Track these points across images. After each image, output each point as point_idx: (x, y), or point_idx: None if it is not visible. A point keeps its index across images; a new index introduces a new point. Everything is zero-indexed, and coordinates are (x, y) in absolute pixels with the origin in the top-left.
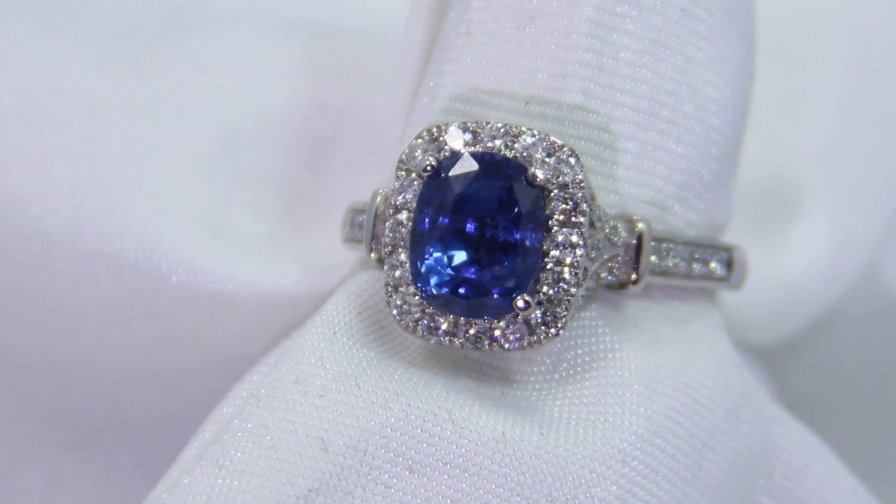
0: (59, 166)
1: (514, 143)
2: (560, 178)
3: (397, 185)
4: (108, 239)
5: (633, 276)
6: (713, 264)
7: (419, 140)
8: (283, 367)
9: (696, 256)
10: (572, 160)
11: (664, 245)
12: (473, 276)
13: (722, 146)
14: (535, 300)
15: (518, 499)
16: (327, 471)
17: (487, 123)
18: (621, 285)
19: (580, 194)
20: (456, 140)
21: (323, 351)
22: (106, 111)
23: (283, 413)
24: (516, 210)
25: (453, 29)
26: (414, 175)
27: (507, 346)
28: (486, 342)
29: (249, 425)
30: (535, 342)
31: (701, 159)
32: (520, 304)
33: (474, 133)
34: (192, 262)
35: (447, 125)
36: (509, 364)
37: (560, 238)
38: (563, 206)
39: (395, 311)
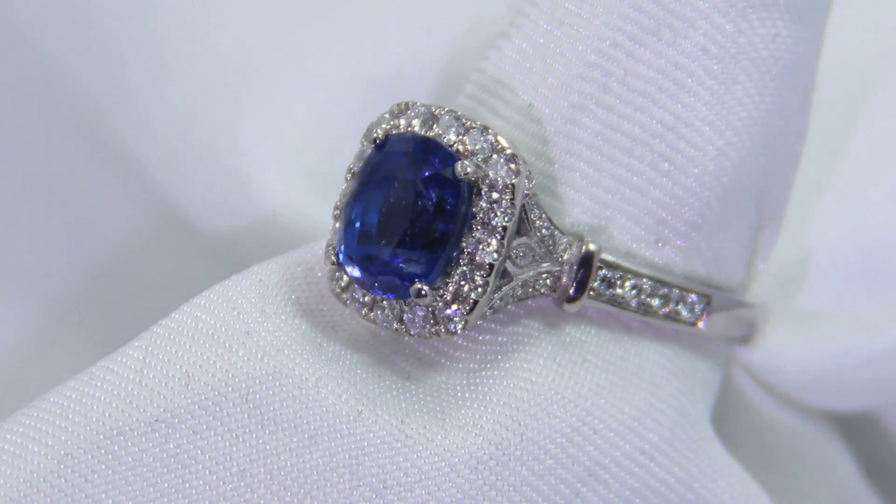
0: (205, 75)
1: (464, 134)
2: (493, 179)
3: (357, 153)
4: (215, 149)
5: (570, 295)
6: (679, 305)
7: (386, 113)
8: (197, 300)
9: (662, 294)
10: (512, 165)
11: (620, 273)
12: (381, 256)
13: (717, 193)
14: (441, 292)
15: (350, 476)
16: (181, 406)
17: (447, 111)
18: (560, 302)
19: (508, 199)
20: (412, 119)
21: (237, 294)
22: (275, 35)
23: (168, 343)
24: (434, 199)
25: (509, 17)
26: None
27: (412, 331)
28: (396, 323)
29: (137, 346)
30: (434, 333)
31: (690, 201)
32: (420, 291)
33: (433, 115)
34: (272, 194)
35: (413, 103)
36: (440, 350)
37: (477, 237)
38: (487, 206)
39: (327, 274)
